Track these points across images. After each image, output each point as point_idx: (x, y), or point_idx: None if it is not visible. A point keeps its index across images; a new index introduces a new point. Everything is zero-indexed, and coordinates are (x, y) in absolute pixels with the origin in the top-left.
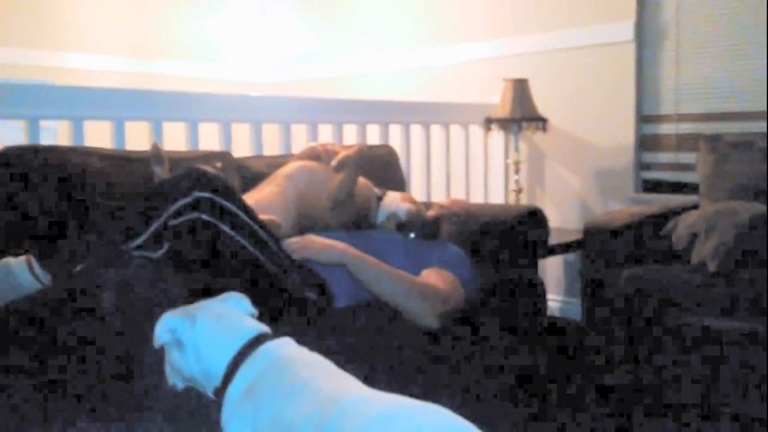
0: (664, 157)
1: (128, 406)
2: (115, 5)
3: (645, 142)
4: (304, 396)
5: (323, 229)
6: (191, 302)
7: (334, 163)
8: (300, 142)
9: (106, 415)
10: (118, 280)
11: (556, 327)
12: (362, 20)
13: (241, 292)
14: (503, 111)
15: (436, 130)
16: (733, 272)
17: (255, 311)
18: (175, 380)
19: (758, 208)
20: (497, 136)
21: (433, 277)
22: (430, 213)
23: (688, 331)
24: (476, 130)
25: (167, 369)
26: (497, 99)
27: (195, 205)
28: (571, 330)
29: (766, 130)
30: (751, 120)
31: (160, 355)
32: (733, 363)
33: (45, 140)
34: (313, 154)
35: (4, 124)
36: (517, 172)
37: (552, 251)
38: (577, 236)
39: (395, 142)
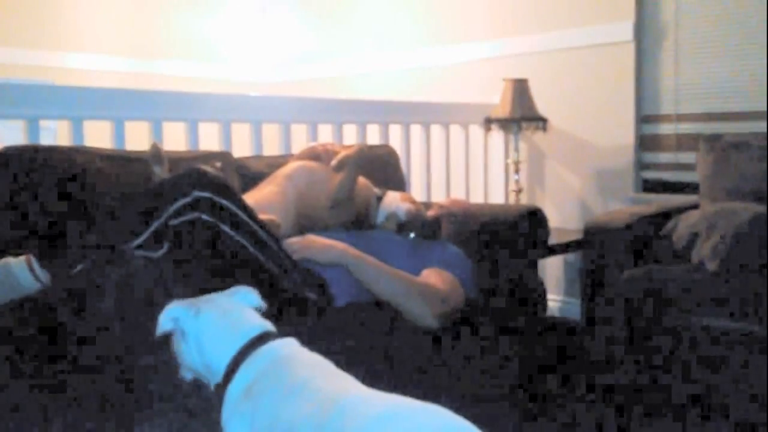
0: (664, 157)
1: (128, 407)
2: (115, 5)
3: (645, 142)
4: (302, 396)
5: (323, 229)
6: None
7: (334, 163)
8: (300, 142)
9: (106, 415)
10: (118, 280)
11: (556, 327)
12: (362, 20)
13: None
14: (503, 111)
15: (436, 130)
16: (732, 272)
17: (263, 305)
18: (183, 371)
19: (758, 208)
20: (497, 136)
21: (432, 277)
22: (430, 213)
23: (687, 331)
24: (476, 130)
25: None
26: (497, 99)
27: (195, 205)
28: (571, 330)
29: (766, 130)
30: (751, 120)
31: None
32: (732, 363)
33: (45, 140)
34: (313, 154)
35: (4, 124)
36: (517, 172)
37: (552, 251)
38: (577, 236)
39: (395, 142)
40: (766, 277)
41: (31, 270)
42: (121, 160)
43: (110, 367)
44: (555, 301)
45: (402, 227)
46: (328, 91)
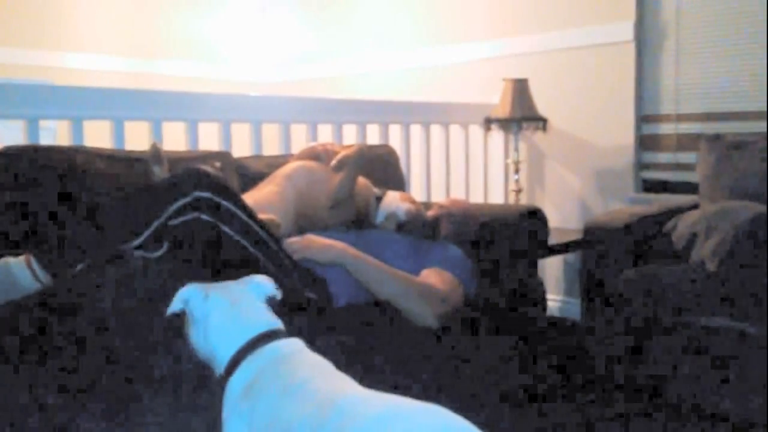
0: (664, 157)
1: (129, 405)
2: (115, 5)
3: (645, 142)
4: (301, 397)
5: (323, 229)
6: None
7: (333, 162)
8: (299, 142)
9: (106, 415)
10: (117, 279)
11: (555, 327)
12: (362, 20)
13: None
14: (503, 111)
15: (435, 130)
16: (732, 272)
17: (277, 293)
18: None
19: (758, 208)
20: (497, 136)
21: (432, 277)
22: (430, 213)
23: (687, 330)
24: (476, 130)
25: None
26: (497, 99)
27: (195, 205)
28: (571, 330)
29: (766, 130)
30: (751, 120)
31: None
32: (732, 363)
33: (44, 140)
34: (313, 154)
35: (4, 124)
36: (516, 172)
37: (552, 251)
38: (577, 236)
39: (395, 142)
40: (765, 277)
41: (31, 270)
42: (121, 160)
43: (109, 366)
44: (555, 301)
45: (402, 227)
46: (328, 91)
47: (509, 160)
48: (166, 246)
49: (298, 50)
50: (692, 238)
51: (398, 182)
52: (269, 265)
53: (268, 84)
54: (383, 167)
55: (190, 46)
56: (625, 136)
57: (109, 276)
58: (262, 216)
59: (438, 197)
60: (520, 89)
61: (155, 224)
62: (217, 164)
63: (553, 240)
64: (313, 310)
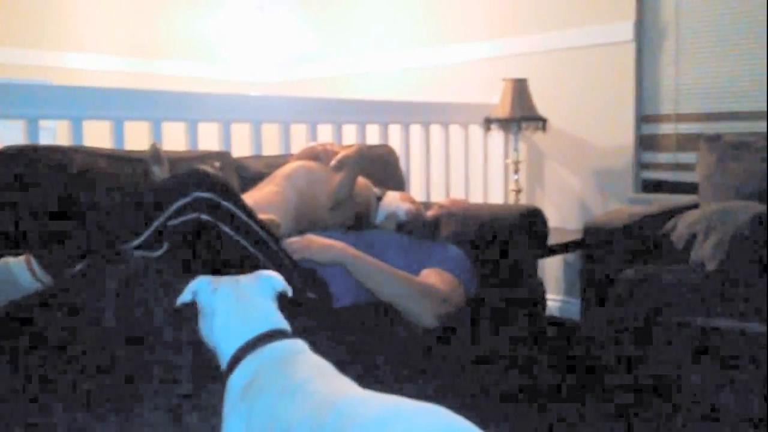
0: (664, 157)
1: (129, 406)
2: (114, 5)
3: (645, 142)
4: (299, 398)
5: (323, 229)
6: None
7: (333, 162)
8: (299, 142)
9: (106, 415)
10: (117, 279)
11: (555, 327)
12: (362, 20)
13: None
14: (503, 111)
15: (435, 130)
16: (732, 272)
17: (287, 289)
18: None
19: (758, 208)
20: (497, 136)
21: (432, 277)
22: (430, 213)
23: (687, 330)
24: (476, 130)
25: None
26: (497, 99)
27: (195, 205)
28: (571, 330)
29: (766, 130)
30: (751, 120)
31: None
32: (732, 363)
33: (44, 140)
34: (313, 154)
35: (4, 124)
36: (516, 172)
37: (551, 251)
38: (577, 236)
39: (395, 142)
40: (765, 277)
41: (31, 270)
42: (121, 160)
43: (109, 366)
44: (554, 301)
45: (401, 227)
46: (328, 91)
47: (509, 160)
48: (166, 246)
49: (297, 50)
50: (692, 238)
51: (398, 182)
52: (269, 265)
53: (267, 84)
54: (383, 167)
55: (189, 46)
56: (625, 136)
57: (109, 276)
58: (262, 216)
59: (438, 197)
60: (520, 89)
61: (155, 224)
62: (217, 164)
63: (553, 240)
64: (314, 310)
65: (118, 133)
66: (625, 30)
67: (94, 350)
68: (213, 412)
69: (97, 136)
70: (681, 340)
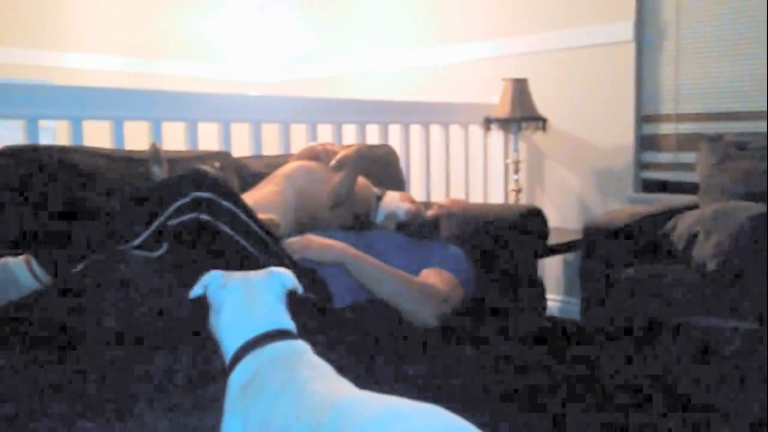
0: (664, 157)
1: (128, 406)
2: (114, 5)
3: (645, 142)
4: (298, 398)
5: (322, 229)
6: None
7: (333, 162)
8: (299, 141)
9: (106, 415)
10: (117, 279)
11: (555, 327)
12: (362, 20)
13: None
14: (503, 111)
15: (435, 129)
16: (732, 272)
17: (297, 287)
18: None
19: (758, 207)
20: (497, 135)
21: (432, 277)
22: (430, 213)
23: (687, 330)
24: (476, 130)
25: None
26: (497, 99)
27: (194, 205)
28: (571, 330)
29: (766, 130)
30: (751, 120)
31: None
32: (732, 363)
33: (44, 140)
34: (313, 154)
35: (3, 124)
36: (516, 171)
37: (552, 251)
38: (577, 236)
39: (394, 141)
40: (765, 276)
41: (31, 270)
42: (121, 160)
43: (109, 366)
44: (554, 301)
45: (401, 227)
46: (328, 91)
47: (509, 160)
48: (165, 246)
49: (297, 50)
50: (692, 238)
51: (398, 182)
52: (269, 264)
53: (267, 84)
54: (383, 167)
55: (189, 46)
56: (625, 136)
57: (109, 276)
58: (261, 216)
59: (438, 197)
60: (520, 89)
61: (155, 224)
62: (216, 164)
63: (552, 240)
64: (313, 310)
65: (118, 133)
66: (625, 30)
67: (93, 350)
68: (213, 411)
69: (97, 136)
70: (681, 340)
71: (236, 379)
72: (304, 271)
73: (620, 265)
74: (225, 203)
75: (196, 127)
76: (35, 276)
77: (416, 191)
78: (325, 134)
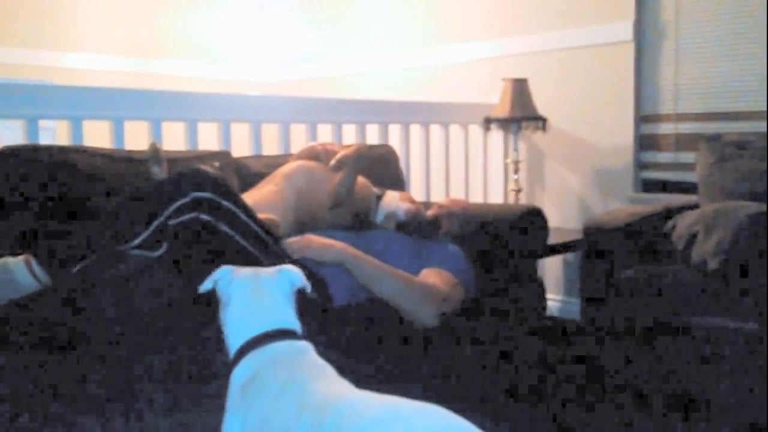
0: (664, 156)
1: (129, 405)
2: (114, 5)
3: (644, 142)
4: (298, 398)
5: (322, 229)
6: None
7: (332, 162)
8: (299, 141)
9: (106, 415)
10: (117, 279)
11: (555, 326)
12: (362, 20)
13: None
14: (502, 111)
15: (435, 129)
16: (732, 271)
17: (306, 285)
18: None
19: (758, 207)
20: (496, 135)
21: (432, 276)
22: (430, 213)
23: (687, 330)
24: (475, 130)
25: None
26: (496, 99)
27: (194, 205)
28: (571, 329)
29: (766, 130)
30: (751, 120)
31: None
32: (732, 362)
33: (44, 140)
34: (312, 154)
35: (3, 124)
36: (516, 171)
37: (551, 251)
38: (577, 236)
39: (394, 141)
40: (765, 276)
41: (30, 270)
42: (120, 160)
43: (109, 366)
44: (554, 301)
45: (401, 227)
46: (328, 91)
47: (509, 160)
48: (165, 246)
49: (297, 50)
50: (692, 238)
51: (398, 182)
52: (269, 264)
53: (267, 84)
54: (383, 167)
55: (189, 46)
56: (625, 135)
57: (109, 275)
58: (261, 216)
59: (437, 197)
60: (520, 89)
61: (155, 224)
62: (216, 164)
63: (552, 240)
64: (313, 310)
65: (118, 133)
66: (625, 30)
67: (93, 350)
68: (212, 411)
69: (97, 136)
70: (681, 339)
71: (238, 376)
72: (304, 270)
73: (620, 265)
74: (225, 203)
75: (196, 127)
76: (35, 276)
77: (416, 191)
78: (325, 134)
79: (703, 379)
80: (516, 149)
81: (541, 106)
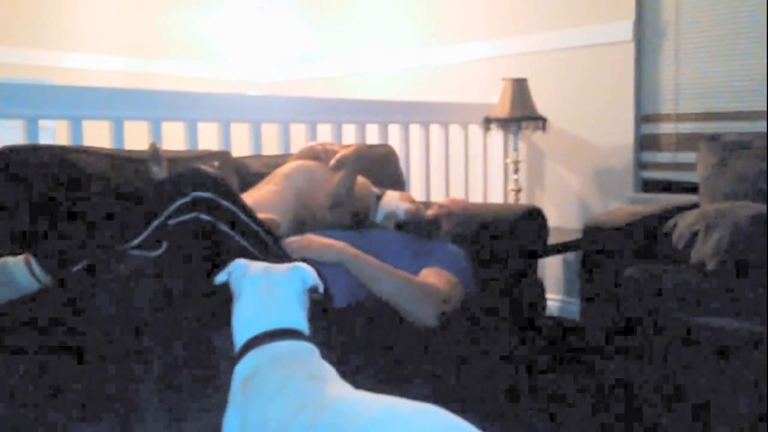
0: (664, 156)
1: (127, 404)
2: (114, 5)
3: (644, 142)
4: (295, 397)
5: (322, 229)
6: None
7: (332, 162)
8: (299, 141)
9: (105, 416)
10: (116, 279)
11: (555, 326)
12: (362, 20)
13: None
14: (502, 110)
15: (435, 129)
16: (732, 271)
17: (318, 284)
18: None
19: (758, 207)
20: (496, 135)
21: (432, 276)
22: (430, 212)
23: (687, 330)
24: (475, 130)
25: None
26: (496, 99)
27: (194, 205)
28: (570, 329)
29: (766, 130)
30: (751, 120)
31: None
32: (732, 362)
33: (44, 140)
34: (312, 154)
35: (3, 124)
36: (516, 171)
37: (551, 251)
38: (577, 236)
39: (394, 141)
40: (765, 276)
41: (30, 270)
42: (120, 160)
43: (109, 366)
44: (554, 301)
45: (401, 227)
46: (328, 91)
47: (509, 160)
48: (165, 245)
49: (297, 50)
50: (692, 238)
51: (398, 182)
52: None
53: (267, 84)
54: (382, 167)
55: (189, 45)
56: (625, 135)
57: (109, 275)
58: (261, 215)
59: (437, 197)
60: (520, 89)
61: (154, 224)
62: (216, 164)
63: (552, 240)
64: (313, 310)
65: (118, 133)
66: (625, 30)
67: (93, 349)
68: (212, 411)
69: (97, 136)
70: (681, 339)
71: (240, 372)
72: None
73: (620, 265)
74: (225, 203)
75: (196, 127)
76: (34, 276)
77: (416, 191)
78: (324, 134)
79: (703, 379)
80: (516, 149)
81: (541, 106)
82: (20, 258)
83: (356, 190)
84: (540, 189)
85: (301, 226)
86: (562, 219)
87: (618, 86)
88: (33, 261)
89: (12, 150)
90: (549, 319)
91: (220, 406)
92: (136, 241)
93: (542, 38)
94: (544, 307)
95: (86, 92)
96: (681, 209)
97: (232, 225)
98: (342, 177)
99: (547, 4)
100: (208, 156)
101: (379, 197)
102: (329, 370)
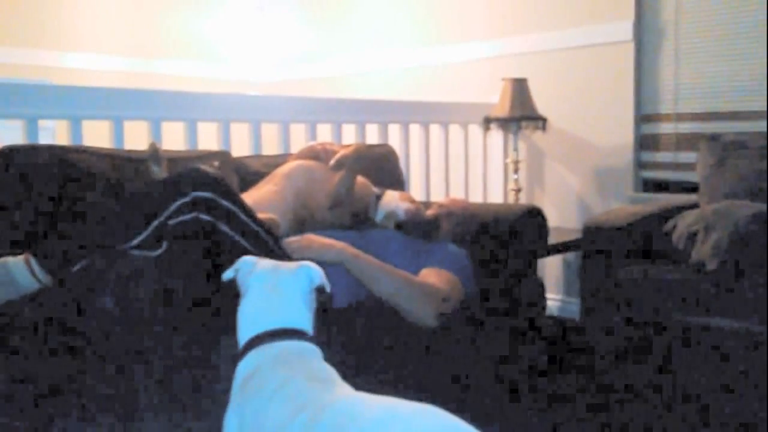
0: (664, 156)
1: (127, 407)
2: (114, 5)
3: (644, 142)
4: (294, 397)
5: (322, 229)
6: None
7: (332, 162)
8: (299, 141)
9: (105, 416)
10: (116, 279)
11: (555, 326)
12: (362, 20)
13: None
14: (502, 110)
15: (435, 129)
16: (732, 271)
17: (326, 284)
18: None
19: (758, 207)
20: (496, 135)
21: (432, 276)
22: (429, 212)
23: (686, 330)
24: (475, 130)
25: None
26: (496, 98)
27: (194, 205)
28: (570, 329)
29: (766, 130)
30: (751, 120)
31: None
32: (732, 362)
33: (43, 140)
34: (312, 154)
35: (3, 124)
36: (516, 171)
37: (551, 251)
38: (577, 235)
39: (394, 141)
40: (765, 276)
41: (30, 270)
42: (120, 160)
43: (109, 366)
44: (554, 301)
45: (401, 226)
46: (327, 91)
47: (509, 160)
48: (165, 245)
49: (297, 50)
50: (692, 238)
51: (397, 182)
52: None
53: (267, 84)
54: (382, 167)
55: (189, 45)
56: (625, 135)
57: (108, 275)
58: (261, 215)
59: (437, 197)
60: (520, 89)
61: (154, 224)
62: (216, 164)
63: (552, 239)
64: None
65: (118, 133)
66: (625, 30)
67: (93, 349)
68: (212, 412)
69: (97, 136)
70: (680, 339)
71: (241, 370)
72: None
73: (620, 265)
74: (225, 203)
75: (196, 127)
76: (35, 276)
77: (416, 191)
78: (324, 134)
79: (702, 379)
80: (516, 149)
81: (541, 106)
82: (20, 258)
83: (356, 190)
84: (540, 189)
85: (301, 225)
86: (562, 219)
87: (618, 86)
88: (33, 261)
89: (12, 150)
90: (549, 319)
91: (220, 407)
92: (136, 241)
93: (542, 38)
94: (544, 307)
95: (86, 92)
96: (681, 209)
97: (232, 225)
98: (342, 177)
99: (547, 4)
100: (208, 156)
101: (378, 197)
102: (330, 372)
